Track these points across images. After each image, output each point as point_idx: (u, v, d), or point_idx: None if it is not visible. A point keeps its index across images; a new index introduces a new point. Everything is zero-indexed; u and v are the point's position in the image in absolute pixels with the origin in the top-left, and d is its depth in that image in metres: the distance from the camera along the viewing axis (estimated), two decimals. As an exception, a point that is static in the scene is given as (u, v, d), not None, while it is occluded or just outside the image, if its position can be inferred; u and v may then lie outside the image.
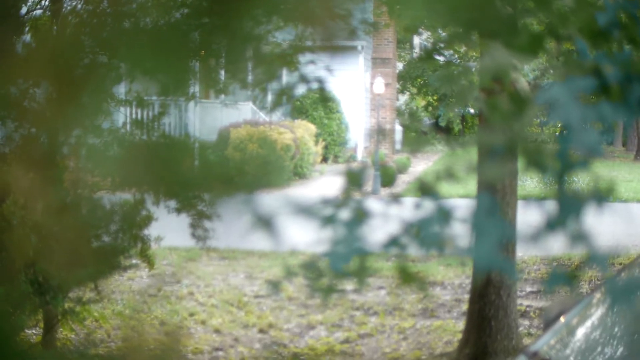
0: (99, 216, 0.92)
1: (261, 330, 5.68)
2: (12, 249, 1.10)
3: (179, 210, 1.61)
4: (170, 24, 0.78)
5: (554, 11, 1.01)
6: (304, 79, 2.21)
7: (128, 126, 0.93)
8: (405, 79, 20.90)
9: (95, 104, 0.79)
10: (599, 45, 1.39)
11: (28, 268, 1.18)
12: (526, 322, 5.72)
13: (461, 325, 5.34)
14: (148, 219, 1.82)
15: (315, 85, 2.26)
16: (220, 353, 5.23)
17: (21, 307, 1.21)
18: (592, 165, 1.95)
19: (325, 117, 15.98)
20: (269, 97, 1.91)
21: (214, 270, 7.40)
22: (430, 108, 22.15)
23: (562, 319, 2.58)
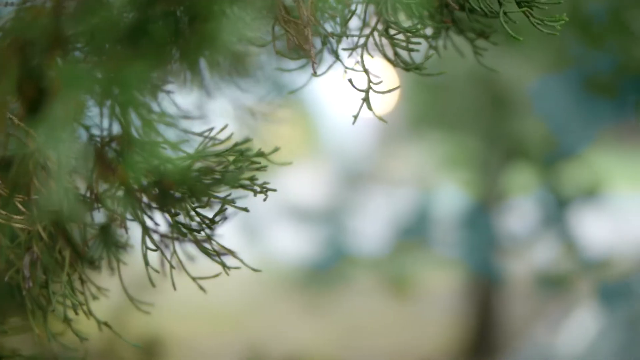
0: (69, 223, 0.88)
1: (245, 338, 5.64)
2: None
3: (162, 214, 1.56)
4: (140, 22, 0.75)
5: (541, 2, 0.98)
6: (277, 83, 2.18)
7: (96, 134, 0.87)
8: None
9: (64, 111, 0.76)
10: (588, 35, 1.37)
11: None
12: (524, 323, 5.70)
13: (456, 325, 5.32)
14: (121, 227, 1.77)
15: (291, 90, 2.23)
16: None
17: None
18: (578, 158, 1.92)
19: (300, 116, 16.13)
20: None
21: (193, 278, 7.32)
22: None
23: (559, 323, 2.57)
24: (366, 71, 0.74)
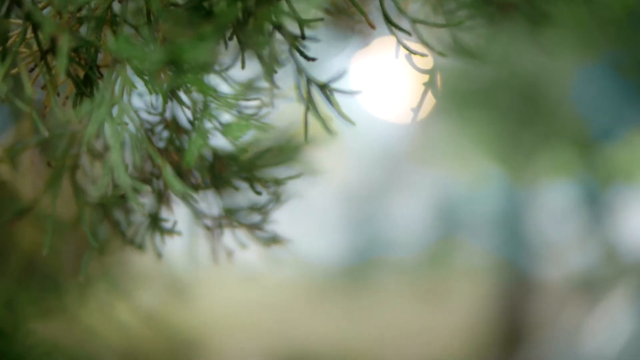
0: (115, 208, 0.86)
1: (275, 335, 5.63)
2: (23, 244, 1.04)
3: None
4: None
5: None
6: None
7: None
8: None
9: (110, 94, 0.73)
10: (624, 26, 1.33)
11: (38, 262, 1.13)
12: (557, 325, 5.62)
13: (488, 325, 5.27)
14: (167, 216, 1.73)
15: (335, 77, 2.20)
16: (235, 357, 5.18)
17: (31, 301, 1.16)
18: (617, 144, 1.89)
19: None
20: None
21: (227, 275, 7.32)
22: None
23: (593, 324, 2.52)
24: (431, 48, 0.69)
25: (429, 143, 4.99)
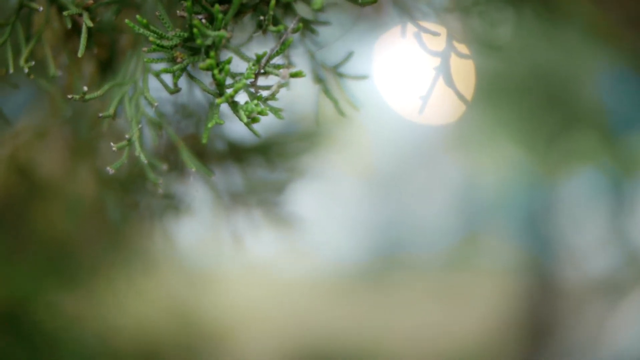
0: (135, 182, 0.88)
1: (294, 332, 5.62)
2: (45, 222, 1.07)
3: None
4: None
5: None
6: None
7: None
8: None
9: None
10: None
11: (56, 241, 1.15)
12: (582, 329, 5.56)
13: (510, 325, 5.22)
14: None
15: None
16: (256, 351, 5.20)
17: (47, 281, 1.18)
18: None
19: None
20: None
21: (247, 270, 7.32)
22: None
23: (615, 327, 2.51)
24: (450, 35, 0.69)
25: (457, 140, 4.95)
